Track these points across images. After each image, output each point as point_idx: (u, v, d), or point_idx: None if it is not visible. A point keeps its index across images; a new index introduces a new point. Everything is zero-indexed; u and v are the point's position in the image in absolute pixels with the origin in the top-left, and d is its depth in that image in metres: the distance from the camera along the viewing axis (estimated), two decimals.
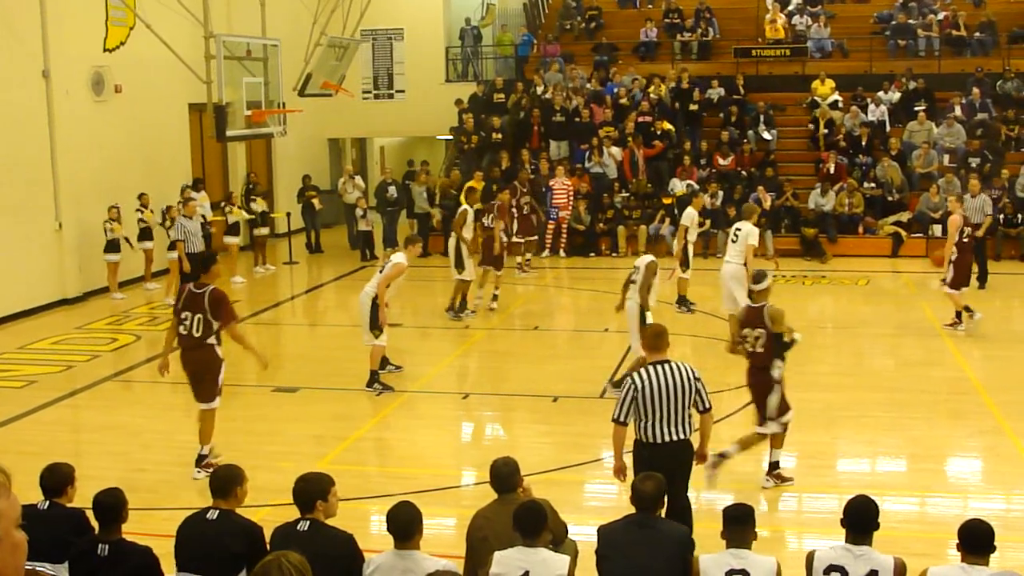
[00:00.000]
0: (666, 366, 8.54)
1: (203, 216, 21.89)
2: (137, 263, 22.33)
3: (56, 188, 21.07)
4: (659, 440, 8.49)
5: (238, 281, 23.30)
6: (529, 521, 6.64)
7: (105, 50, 22.46)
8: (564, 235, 25.91)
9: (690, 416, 8.60)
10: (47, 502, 7.57)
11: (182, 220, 20.02)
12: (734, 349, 11.30)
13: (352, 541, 6.87)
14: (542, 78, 30.08)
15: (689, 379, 8.53)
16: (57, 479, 7.68)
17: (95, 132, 22.00)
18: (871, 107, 28.03)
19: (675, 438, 8.52)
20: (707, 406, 8.71)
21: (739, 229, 16.79)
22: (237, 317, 11.75)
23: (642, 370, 8.57)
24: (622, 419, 8.55)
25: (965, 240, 17.36)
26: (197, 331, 11.44)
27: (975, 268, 18.66)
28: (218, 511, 7.16)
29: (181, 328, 11.55)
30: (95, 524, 7.21)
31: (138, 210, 22.00)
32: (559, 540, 7.33)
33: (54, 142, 20.97)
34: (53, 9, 20.70)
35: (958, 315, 17.61)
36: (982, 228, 20.20)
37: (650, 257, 14.51)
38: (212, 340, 11.55)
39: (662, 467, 8.17)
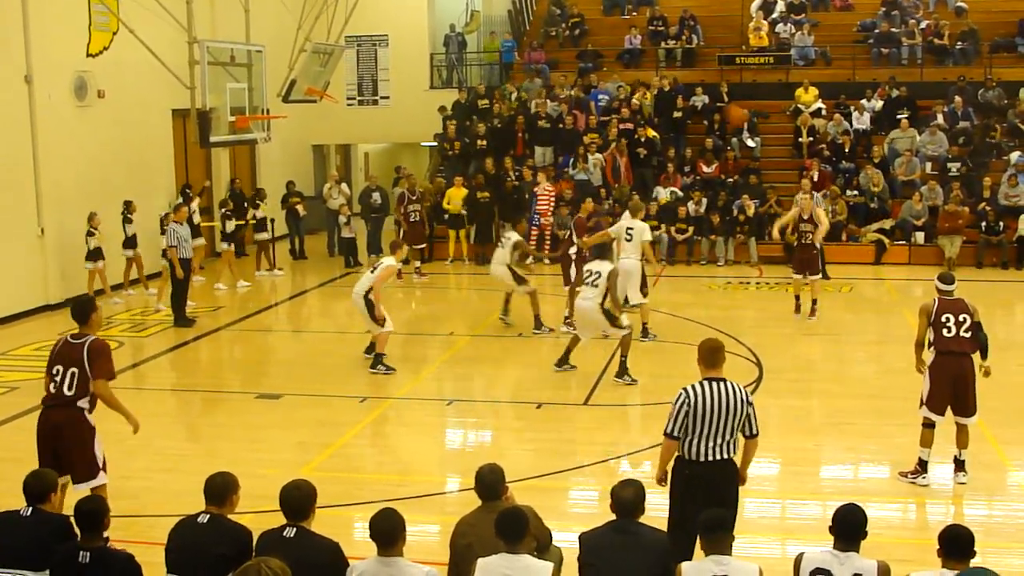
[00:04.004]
0: (721, 384, 8.17)
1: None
2: (119, 270, 22.25)
3: (38, 194, 20.99)
4: (703, 458, 8.14)
5: (220, 287, 23.27)
6: (511, 527, 6.63)
7: (88, 55, 22.39)
8: (547, 241, 25.92)
9: (736, 438, 8.25)
10: (30, 508, 7.55)
11: (174, 226, 19.75)
12: (923, 340, 11.44)
13: (337, 549, 6.88)
14: (516, 86, 30.20)
15: (742, 401, 8.16)
16: (42, 486, 7.66)
17: (78, 138, 21.94)
18: (854, 115, 28.13)
19: (719, 457, 8.16)
20: (755, 432, 8.32)
21: (631, 227, 17.88)
22: (113, 375, 9.89)
23: (696, 385, 8.19)
24: (675, 433, 8.16)
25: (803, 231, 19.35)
26: (69, 389, 9.51)
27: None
28: (209, 515, 7.17)
29: (51, 385, 9.62)
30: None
31: (127, 218, 21.92)
32: (544, 547, 7.32)
33: (36, 147, 20.89)
34: (36, 14, 20.64)
35: (797, 298, 19.61)
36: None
37: (611, 265, 15.41)
38: (84, 403, 9.59)
39: (704, 487, 8.08)
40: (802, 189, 21.31)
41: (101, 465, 9.72)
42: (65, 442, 9.56)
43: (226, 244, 24.16)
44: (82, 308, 9.93)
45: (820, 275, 19.58)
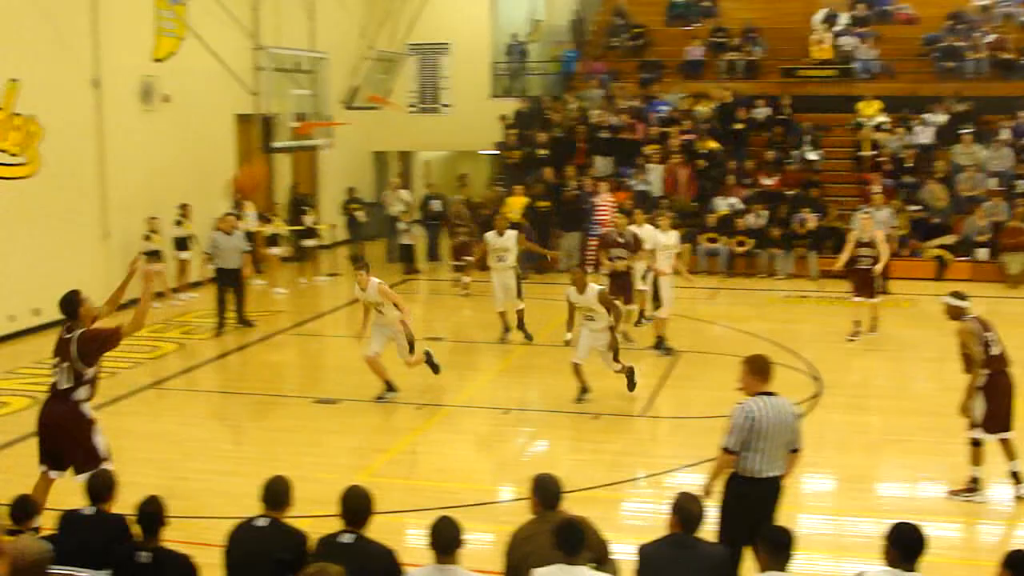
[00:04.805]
0: (774, 399, 8.15)
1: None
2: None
3: (104, 197, 21.25)
4: (760, 475, 8.08)
5: (279, 291, 23.43)
6: (569, 538, 6.58)
7: (154, 60, 22.65)
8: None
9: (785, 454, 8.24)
10: (93, 508, 7.66)
11: (215, 234, 19.86)
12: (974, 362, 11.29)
13: (393, 556, 6.90)
14: (576, 96, 30.25)
15: (792, 415, 8.19)
16: (102, 485, 7.77)
17: (143, 141, 22.17)
18: (917, 129, 27.88)
19: (775, 474, 8.13)
20: (800, 446, 8.32)
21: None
22: (121, 329, 10.02)
23: (755, 399, 8.12)
24: (736, 448, 8.06)
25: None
26: (65, 382, 9.77)
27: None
28: (267, 519, 7.23)
29: (52, 377, 9.95)
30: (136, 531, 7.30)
31: (177, 221, 22.13)
32: (601, 559, 7.23)
33: (103, 151, 21.16)
34: (104, 19, 20.89)
35: (857, 323, 18.91)
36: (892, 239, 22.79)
37: (599, 287, 14.90)
38: (80, 395, 9.84)
39: (759, 503, 8.03)
40: (872, 204, 21.09)
41: (103, 455, 9.86)
42: (62, 434, 9.77)
43: (273, 248, 24.21)
44: (69, 303, 10.07)
45: (878, 298, 18.96)
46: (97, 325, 10.13)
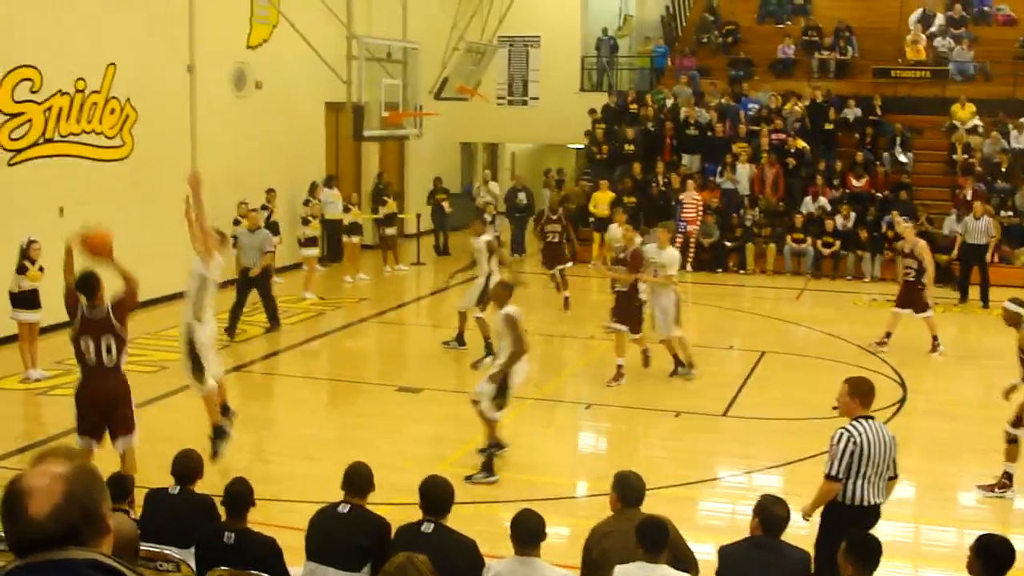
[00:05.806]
0: (874, 423, 7.89)
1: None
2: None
3: None
4: (866, 502, 7.82)
5: (362, 278, 23.59)
6: (652, 536, 6.56)
7: (248, 47, 22.91)
8: (692, 249, 25.72)
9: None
10: (178, 487, 7.80)
11: (238, 230, 19.22)
12: None
13: (474, 547, 6.96)
14: (668, 90, 30.16)
15: (892, 439, 7.91)
16: (189, 466, 7.91)
17: (234, 126, 22.45)
18: (1013, 133, 27.41)
19: (878, 501, 7.88)
20: (897, 473, 8.04)
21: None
22: (131, 284, 10.18)
23: (856, 424, 7.84)
24: (840, 475, 7.74)
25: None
26: (108, 353, 10.08)
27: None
28: (349, 505, 7.32)
29: (87, 359, 10.12)
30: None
31: (264, 206, 22.33)
32: (686, 568, 6.91)
33: (195, 135, 21.42)
34: (199, 5, 21.14)
35: (935, 338, 17.97)
36: (989, 249, 22.69)
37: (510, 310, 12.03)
38: (123, 363, 10.29)
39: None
40: (972, 212, 20.71)
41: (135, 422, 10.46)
42: (115, 406, 10.32)
43: (354, 237, 24.29)
44: (88, 282, 10.23)
45: (928, 311, 17.92)
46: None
